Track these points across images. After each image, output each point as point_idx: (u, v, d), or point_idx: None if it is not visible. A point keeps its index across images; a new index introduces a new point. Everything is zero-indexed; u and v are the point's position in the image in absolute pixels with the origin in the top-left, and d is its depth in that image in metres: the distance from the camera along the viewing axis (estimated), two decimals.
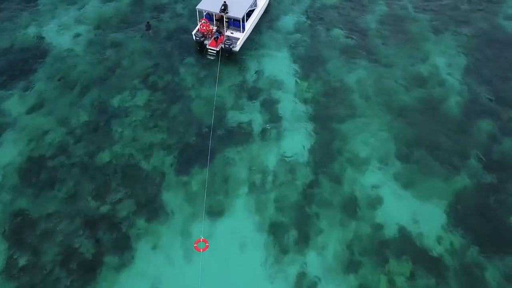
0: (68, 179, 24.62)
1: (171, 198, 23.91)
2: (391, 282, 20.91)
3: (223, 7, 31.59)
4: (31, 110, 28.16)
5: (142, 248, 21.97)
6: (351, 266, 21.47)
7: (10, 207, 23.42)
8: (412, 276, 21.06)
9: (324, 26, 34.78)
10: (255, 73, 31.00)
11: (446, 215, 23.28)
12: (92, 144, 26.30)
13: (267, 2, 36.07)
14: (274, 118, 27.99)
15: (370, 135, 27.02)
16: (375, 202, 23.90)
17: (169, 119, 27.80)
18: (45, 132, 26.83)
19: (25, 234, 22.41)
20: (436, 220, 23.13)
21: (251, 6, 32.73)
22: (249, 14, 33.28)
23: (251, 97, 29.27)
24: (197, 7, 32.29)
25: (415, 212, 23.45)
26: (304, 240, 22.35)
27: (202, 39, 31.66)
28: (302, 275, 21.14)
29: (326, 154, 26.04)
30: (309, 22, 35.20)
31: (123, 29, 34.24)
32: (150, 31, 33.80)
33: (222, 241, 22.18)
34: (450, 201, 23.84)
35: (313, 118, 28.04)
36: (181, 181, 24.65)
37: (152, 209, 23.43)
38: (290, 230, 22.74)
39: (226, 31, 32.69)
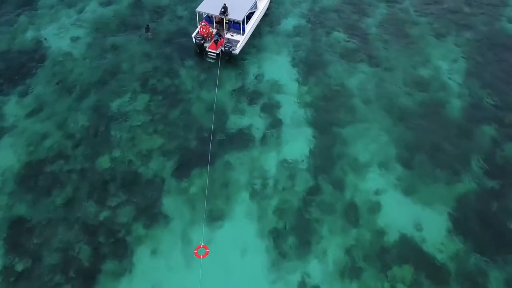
0: (67, 184, 24.40)
1: (171, 203, 23.71)
2: None
3: (223, 10, 31.40)
4: (30, 114, 27.95)
5: (142, 254, 21.77)
6: (352, 273, 21.31)
7: (7, 213, 23.20)
8: (414, 283, 20.91)
9: (325, 29, 34.62)
10: (255, 76, 30.83)
11: (448, 221, 23.15)
12: (91, 148, 26.09)
13: (267, 5, 35.90)
14: (275, 122, 27.81)
15: (371, 140, 26.87)
16: (376, 208, 23.75)
17: (168, 123, 27.59)
18: (44, 137, 26.61)
19: (23, 240, 22.19)
20: (438, 226, 22.99)
21: (251, 8, 32.55)
22: (249, 16, 33.13)
23: (251, 101, 29.09)
24: (197, 9, 32.11)
25: (417, 218, 23.31)
26: (305, 246, 22.19)
27: (202, 41, 31.48)
28: (303, 282, 20.95)
29: (327, 159, 25.88)
30: (309, 24, 35.04)
31: (122, 32, 34.04)
32: (149, 33, 33.60)
33: (223, 247, 22.00)
34: (452, 207, 23.72)
35: (313, 122, 27.87)
36: (181, 186, 24.46)
37: (152, 215, 23.22)
38: (291, 236, 22.56)
39: (226, 34, 32.49)
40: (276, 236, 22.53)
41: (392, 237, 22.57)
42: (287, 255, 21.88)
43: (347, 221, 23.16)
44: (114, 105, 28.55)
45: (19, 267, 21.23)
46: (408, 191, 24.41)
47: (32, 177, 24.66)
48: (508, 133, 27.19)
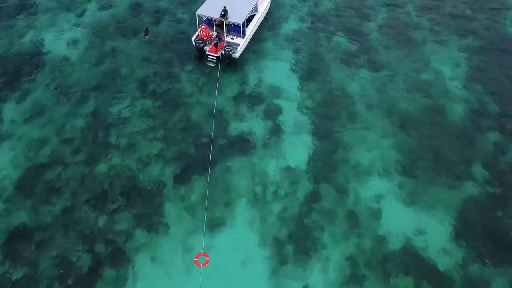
0: (65, 191, 24.10)
1: (170, 210, 23.44)
2: None
3: (223, 13, 31.12)
4: (28, 119, 27.60)
5: (141, 262, 21.48)
6: (354, 281, 21.06)
7: (5, 220, 22.87)
8: None
9: (325, 33, 34.40)
10: (256, 80, 30.57)
11: (451, 228, 22.95)
12: (90, 155, 25.79)
13: (268, 7, 35.65)
14: (275, 127, 27.57)
15: (372, 146, 26.65)
16: (378, 215, 23.54)
17: (168, 129, 27.30)
18: (42, 143, 26.29)
19: (21, 248, 21.88)
20: (440, 233, 22.79)
21: (251, 11, 32.27)
22: (249, 19, 32.85)
23: (251, 106, 28.83)
24: (196, 12, 31.82)
25: (419, 225, 23.10)
26: (306, 254, 21.95)
27: (201, 44, 31.20)
28: None
29: (328, 165, 25.65)
30: (310, 28, 34.82)
31: (121, 35, 33.74)
32: (147, 36, 33.29)
33: (223, 254, 21.73)
34: (455, 214, 23.50)
35: (314, 127, 27.63)
36: (181, 192, 24.18)
37: (151, 222, 22.95)
38: (292, 243, 22.33)
39: (226, 37, 32.22)
40: (277, 243, 22.28)
41: (394, 244, 22.34)
42: (288, 262, 21.62)
43: (348, 228, 22.93)
44: (113, 110, 28.24)
45: (16, 275, 20.90)
46: (410, 198, 24.19)
47: (30, 183, 24.35)
48: (511, 139, 26.95)
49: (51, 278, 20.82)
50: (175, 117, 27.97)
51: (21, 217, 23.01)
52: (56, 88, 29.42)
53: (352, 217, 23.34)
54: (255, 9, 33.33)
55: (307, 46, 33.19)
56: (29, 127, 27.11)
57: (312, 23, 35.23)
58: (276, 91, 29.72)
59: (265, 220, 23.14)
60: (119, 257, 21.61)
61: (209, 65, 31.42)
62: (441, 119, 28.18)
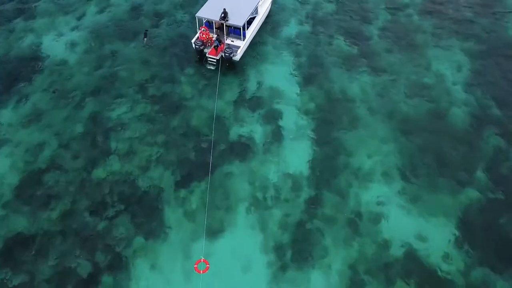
0: (64, 196, 23.88)
1: (170, 215, 23.23)
2: None
3: (223, 15, 30.88)
4: (26, 123, 27.37)
5: (140, 268, 21.26)
6: (356, 287, 20.82)
7: (4, 225, 22.67)
8: None
9: (326, 34, 34.17)
10: (256, 83, 30.35)
11: (453, 233, 22.72)
12: (88, 159, 25.57)
13: (268, 10, 35.42)
14: (276, 131, 27.36)
15: (373, 148, 26.45)
16: (380, 219, 23.33)
17: (168, 132, 27.09)
18: (41, 146, 26.08)
19: (19, 253, 21.69)
20: (442, 238, 22.56)
21: (252, 13, 32.05)
22: (250, 21, 32.62)
23: (252, 109, 28.62)
24: (196, 14, 31.60)
25: (421, 229, 22.88)
26: (307, 259, 21.74)
27: (201, 47, 30.98)
28: None
29: (329, 168, 25.44)
30: (310, 30, 34.59)
31: (121, 38, 33.47)
32: (145, 39, 33.07)
33: (224, 261, 21.51)
34: (457, 217, 23.29)
35: (315, 130, 27.42)
36: (180, 197, 23.97)
37: (151, 228, 22.73)
38: (293, 248, 22.12)
39: (226, 39, 31.99)
40: (277, 249, 22.07)
41: (396, 249, 22.13)
42: (289, 268, 21.40)
43: (350, 232, 22.72)
44: (113, 114, 28.00)
45: (15, 281, 20.71)
46: (412, 202, 23.96)
47: (28, 188, 24.13)
48: None
49: (50, 285, 20.59)
50: (175, 121, 27.75)
51: (20, 222, 22.80)
52: (54, 92, 29.17)
53: (353, 223, 23.12)
54: (256, 11, 33.09)
55: (308, 49, 32.94)
56: (28, 132, 26.88)
57: (312, 26, 34.98)
58: (277, 95, 29.51)
59: (265, 226, 22.93)
60: (118, 263, 21.40)
61: (209, 68, 31.21)
62: (442, 123, 27.95)
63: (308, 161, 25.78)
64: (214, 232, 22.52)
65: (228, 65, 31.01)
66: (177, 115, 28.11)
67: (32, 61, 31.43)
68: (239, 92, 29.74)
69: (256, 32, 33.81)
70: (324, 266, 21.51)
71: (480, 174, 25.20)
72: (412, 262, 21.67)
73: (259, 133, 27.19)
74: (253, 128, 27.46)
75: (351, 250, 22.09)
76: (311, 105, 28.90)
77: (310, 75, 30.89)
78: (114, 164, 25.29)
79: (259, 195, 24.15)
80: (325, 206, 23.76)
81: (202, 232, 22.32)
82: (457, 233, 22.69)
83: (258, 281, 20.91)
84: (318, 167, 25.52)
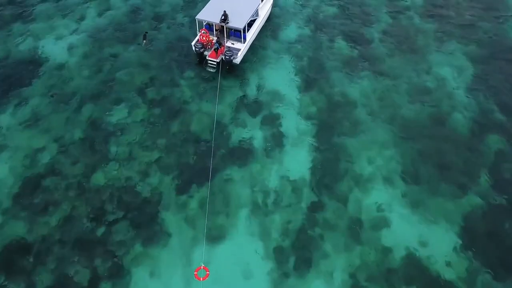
0: (63, 201, 23.63)
1: (169, 221, 22.99)
2: None
3: (223, 17, 30.60)
4: (25, 127, 27.11)
5: (139, 275, 21.02)
6: None
7: (2, 230, 22.40)
8: None
9: (327, 37, 33.94)
10: (256, 86, 30.11)
11: (456, 238, 22.55)
12: (87, 163, 25.31)
13: (269, 12, 35.18)
14: (276, 135, 27.13)
15: (375, 153, 26.25)
16: (382, 225, 23.14)
17: (167, 136, 26.84)
18: (39, 151, 25.82)
19: (17, 260, 21.43)
20: (445, 243, 22.40)
21: (252, 16, 31.79)
22: (250, 24, 32.36)
23: (252, 113, 28.37)
24: (196, 17, 31.30)
25: (423, 235, 22.71)
26: (308, 266, 21.54)
27: (201, 50, 30.72)
28: None
29: (330, 173, 25.23)
30: (311, 32, 34.36)
31: (120, 41, 33.21)
32: (145, 41, 32.81)
33: (224, 268, 21.28)
34: (460, 223, 23.11)
35: (316, 135, 27.20)
36: (180, 202, 23.73)
37: (150, 233, 22.50)
38: (294, 255, 21.92)
39: (226, 42, 31.73)
40: (279, 255, 21.85)
41: (397, 255, 21.93)
42: (291, 276, 21.18)
43: (351, 238, 22.52)
44: (112, 117, 27.75)
45: None
46: (414, 207, 23.77)
47: (27, 193, 23.88)
48: None
49: None
50: (174, 125, 27.51)
51: (18, 228, 22.55)
52: (52, 96, 28.88)
53: (355, 229, 22.92)
54: (256, 13, 32.81)
55: (309, 52, 32.72)
56: (27, 136, 26.60)
57: (313, 28, 34.74)
58: (277, 98, 29.27)
59: (266, 232, 22.70)
60: (118, 270, 21.16)
61: (209, 71, 30.96)
62: (444, 127, 27.74)
63: (309, 166, 25.55)
64: (214, 239, 22.30)
65: (228, 68, 30.77)
66: (177, 119, 27.87)
67: (31, 64, 31.14)
68: (240, 95, 29.51)
69: (257, 35, 33.54)
70: (325, 273, 21.31)
71: (482, 179, 25.00)
72: (414, 269, 21.47)
73: (259, 138, 26.96)
74: (253, 132, 27.23)
75: (352, 256, 21.89)
76: (312, 109, 28.67)
77: (310, 79, 30.66)
78: (114, 169, 25.04)
79: (260, 200, 23.93)
80: (326, 212, 23.54)
81: (202, 238, 22.09)
82: (459, 239, 22.50)
83: None
84: (319, 172, 25.29)
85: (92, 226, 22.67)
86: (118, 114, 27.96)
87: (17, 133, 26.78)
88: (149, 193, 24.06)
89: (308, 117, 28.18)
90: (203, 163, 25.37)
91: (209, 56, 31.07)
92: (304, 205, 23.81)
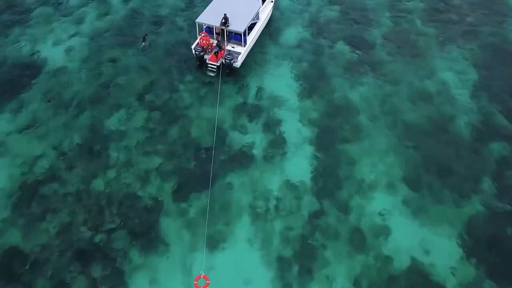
0: (61, 208, 23.38)
1: (169, 228, 22.74)
2: None
3: (223, 20, 30.33)
4: (23, 132, 26.87)
5: (138, 284, 20.78)
6: None
7: None
8: None
9: (328, 41, 33.68)
10: (257, 91, 29.85)
11: (458, 245, 22.32)
12: (86, 169, 25.06)
13: (269, 15, 34.89)
14: (277, 140, 26.88)
15: (376, 159, 26.00)
16: (383, 232, 22.91)
17: (167, 142, 26.58)
18: (37, 157, 25.56)
19: (14, 268, 21.18)
20: (447, 251, 22.16)
21: (253, 19, 31.51)
22: (251, 27, 32.07)
23: (253, 117, 28.12)
24: (196, 20, 31.06)
25: (425, 242, 22.49)
26: (310, 274, 21.30)
27: (202, 53, 30.45)
28: None
29: (331, 179, 24.99)
30: (312, 36, 34.09)
31: (119, 44, 32.96)
32: (144, 43, 32.52)
33: (224, 277, 21.02)
34: (462, 230, 22.88)
35: (317, 139, 26.95)
36: (180, 209, 23.48)
37: (149, 241, 22.25)
38: (296, 263, 21.67)
39: (227, 45, 31.45)
40: (280, 263, 21.60)
41: (400, 262, 21.70)
42: (292, 284, 20.92)
43: (353, 246, 22.29)
44: (110, 122, 27.49)
45: None
46: (416, 213, 23.55)
47: (24, 199, 23.62)
48: None
49: None
50: (174, 130, 27.24)
51: (16, 235, 22.29)
52: (49, 101, 28.60)
53: (357, 235, 22.69)
54: (257, 16, 32.54)
55: (309, 55, 32.45)
56: (25, 141, 26.36)
57: (314, 32, 34.47)
58: (278, 103, 29.02)
59: (267, 239, 22.46)
60: (116, 278, 20.90)
61: (209, 75, 30.68)
62: (447, 131, 27.50)
63: (310, 172, 25.31)
64: (214, 246, 22.06)
65: (228, 72, 30.51)
66: (177, 124, 27.60)
67: (30, 69, 30.84)
68: (240, 100, 29.26)
69: (257, 38, 33.25)
70: (327, 281, 21.08)
71: (485, 185, 24.76)
72: (417, 277, 21.25)
73: (260, 143, 26.71)
74: (254, 138, 26.97)
75: (354, 264, 21.66)
76: (313, 114, 28.42)
77: (311, 82, 30.40)
78: (113, 175, 24.78)
79: (261, 207, 23.68)
80: (327, 219, 23.29)
81: (202, 246, 21.83)
82: (462, 245, 22.28)
83: None
84: (320, 177, 25.05)
85: (90, 233, 22.41)
86: (117, 120, 27.71)
87: (15, 139, 26.53)
88: (148, 200, 23.81)
89: (309, 122, 27.92)
90: (203, 169, 25.11)
91: (209, 60, 30.81)
92: (305, 212, 23.56)
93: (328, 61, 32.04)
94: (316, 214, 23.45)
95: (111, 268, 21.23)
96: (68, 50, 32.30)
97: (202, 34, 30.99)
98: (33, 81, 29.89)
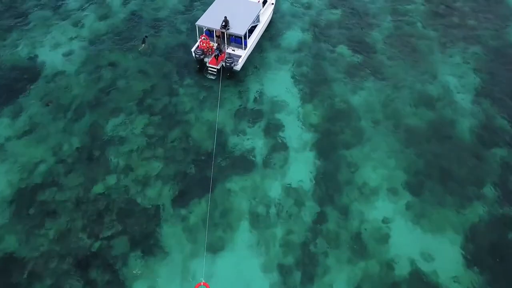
0: (60, 214, 23.11)
1: (169, 234, 22.49)
2: None
3: (224, 23, 30.13)
4: (21, 136, 26.59)
5: None
6: None
7: None
8: None
9: (329, 43, 33.50)
10: (257, 94, 29.65)
11: (461, 251, 22.12)
12: (85, 175, 24.80)
13: (270, 18, 34.70)
14: (278, 144, 26.68)
15: (378, 163, 25.80)
16: (385, 238, 22.70)
17: (167, 147, 26.34)
18: (36, 162, 25.26)
19: (12, 275, 20.90)
20: (450, 257, 21.96)
21: (253, 22, 31.32)
22: (251, 30, 31.88)
23: (253, 122, 27.92)
24: (196, 23, 30.82)
25: (428, 248, 22.27)
26: (311, 281, 21.07)
27: (202, 56, 30.26)
28: None
29: (332, 185, 24.79)
30: (313, 39, 33.92)
31: (119, 47, 32.71)
32: (143, 45, 32.31)
33: (225, 283, 20.78)
34: (465, 235, 22.68)
35: (318, 144, 26.75)
36: (180, 215, 23.24)
37: (148, 247, 22.00)
38: (297, 269, 21.45)
39: (227, 48, 31.26)
40: (281, 270, 21.38)
41: (402, 269, 21.49)
42: None
43: (354, 252, 22.07)
44: (110, 127, 27.24)
45: None
46: (419, 218, 23.34)
47: (23, 205, 23.34)
48: None
49: None
50: (174, 134, 27.01)
51: (14, 241, 22.02)
52: (47, 105, 28.33)
53: (358, 241, 22.48)
54: (257, 19, 32.34)
55: (310, 58, 32.27)
56: (23, 146, 26.07)
57: (315, 34, 34.30)
58: (279, 106, 28.82)
59: (268, 245, 22.24)
60: (115, 285, 20.64)
61: (210, 78, 30.49)
62: (449, 135, 27.33)
63: (311, 176, 25.12)
64: (215, 252, 21.82)
65: (228, 75, 30.33)
66: (177, 128, 27.38)
67: (28, 72, 30.54)
68: (240, 104, 29.03)
69: (257, 42, 33.06)
70: (328, 286, 20.85)
71: (488, 189, 24.60)
72: (419, 283, 21.04)
73: (260, 147, 26.50)
74: (254, 142, 26.76)
75: (356, 270, 21.44)
76: (314, 118, 28.21)
77: (312, 86, 30.20)
78: (112, 180, 24.53)
79: (262, 212, 23.47)
80: (329, 224, 23.10)
81: (202, 252, 21.60)
82: (465, 251, 22.09)
83: None
84: (321, 182, 24.85)
85: (89, 239, 22.16)
86: (116, 123, 27.44)
87: (13, 143, 26.26)
88: (148, 205, 23.58)
89: (310, 125, 27.74)
90: (204, 174, 24.89)
91: (209, 63, 30.62)
92: (306, 216, 23.36)
93: (328, 65, 31.86)
94: (317, 219, 23.26)
95: (111, 275, 20.98)
96: (67, 54, 32.04)
97: (202, 37, 30.79)
98: (31, 85, 29.62)
